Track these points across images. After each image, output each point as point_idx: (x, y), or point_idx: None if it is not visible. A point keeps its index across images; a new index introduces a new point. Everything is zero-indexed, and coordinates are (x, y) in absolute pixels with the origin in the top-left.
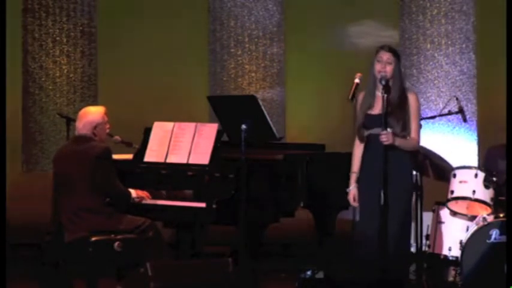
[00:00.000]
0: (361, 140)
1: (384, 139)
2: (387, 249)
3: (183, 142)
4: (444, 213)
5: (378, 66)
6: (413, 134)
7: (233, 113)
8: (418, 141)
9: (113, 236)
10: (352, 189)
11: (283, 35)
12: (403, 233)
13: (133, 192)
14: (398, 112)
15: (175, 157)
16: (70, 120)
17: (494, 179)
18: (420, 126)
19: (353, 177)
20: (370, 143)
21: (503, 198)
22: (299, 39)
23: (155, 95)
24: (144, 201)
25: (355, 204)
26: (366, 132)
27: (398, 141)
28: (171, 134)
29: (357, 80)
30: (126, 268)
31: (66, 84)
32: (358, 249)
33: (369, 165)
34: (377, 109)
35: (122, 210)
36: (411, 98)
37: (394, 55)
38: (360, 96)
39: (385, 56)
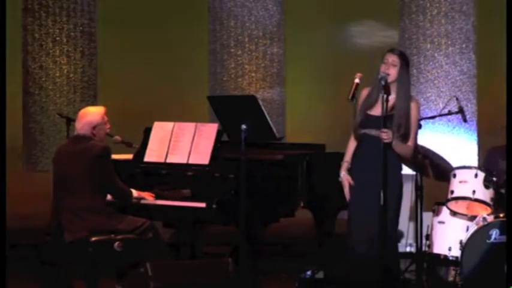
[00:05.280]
0: (356, 138)
1: (385, 136)
2: (386, 248)
3: (183, 142)
4: (444, 213)
5: (382, 67)
6: (409, 142)
7: (233, 113)
8: (412, 149)
9: (113, 236)
10: (344, 175)
11: (283, 35)
12: (393, 232)
13: (134, 193)
14: (399, 118)
15: (175, 157)
16: (70, 120)
17: (494, 179)
18: (420, 126)
19: (344, 166)
20: (364, 142)
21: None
22: (299, 39)
23: (155, 95)
24: (143, 201)
25: (348, 183)
26: (361, 131)
27: (395, 142)
28: (171, 134)
29: (357, 80)
30: (126, 268)
31: (66, 84)
32: (353, 247)
33: (361, 164)
34: (377, 110)
35: (122, 210)
36: (413, 107)
37: (400, 58)
38: (364, 92)
39: (391, 58)
